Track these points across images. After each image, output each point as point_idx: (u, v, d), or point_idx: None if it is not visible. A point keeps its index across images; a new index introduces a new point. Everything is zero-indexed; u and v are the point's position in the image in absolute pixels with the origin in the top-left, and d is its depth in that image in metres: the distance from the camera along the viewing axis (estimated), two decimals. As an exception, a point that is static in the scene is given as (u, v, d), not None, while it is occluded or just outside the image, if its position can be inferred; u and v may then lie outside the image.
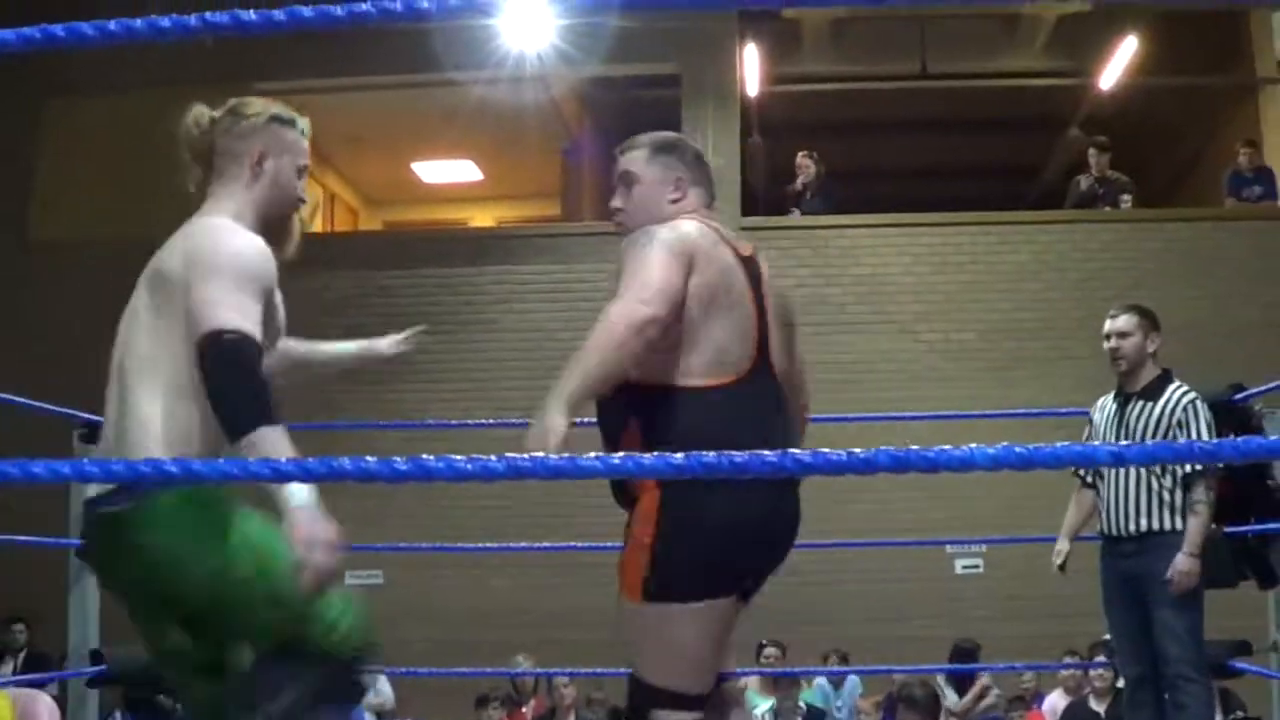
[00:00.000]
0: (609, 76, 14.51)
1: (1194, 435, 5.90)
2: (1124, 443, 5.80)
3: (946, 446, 2.07)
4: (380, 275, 13.33)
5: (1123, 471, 5.95)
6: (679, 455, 2.10)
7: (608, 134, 14.77)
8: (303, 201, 3.57)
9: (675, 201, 3.72)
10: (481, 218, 18.80)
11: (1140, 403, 6.02)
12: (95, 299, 13.82)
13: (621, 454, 2.30)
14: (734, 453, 2.12)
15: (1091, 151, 14.16)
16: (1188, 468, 5.82)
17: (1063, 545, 6.31)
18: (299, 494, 3.00)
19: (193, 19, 2.33)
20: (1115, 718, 9.30)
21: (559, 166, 16.50)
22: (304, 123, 3.57)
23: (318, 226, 15.78)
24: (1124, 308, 6.20)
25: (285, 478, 2.21)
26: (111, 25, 2.34)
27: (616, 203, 3.79)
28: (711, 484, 3.27)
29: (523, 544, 10.26)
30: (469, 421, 8.34)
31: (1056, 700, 10.51)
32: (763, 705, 10.39)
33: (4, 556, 10.71)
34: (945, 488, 12.09)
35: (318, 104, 15.17)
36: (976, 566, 12.80)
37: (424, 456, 2.13)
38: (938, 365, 13.26)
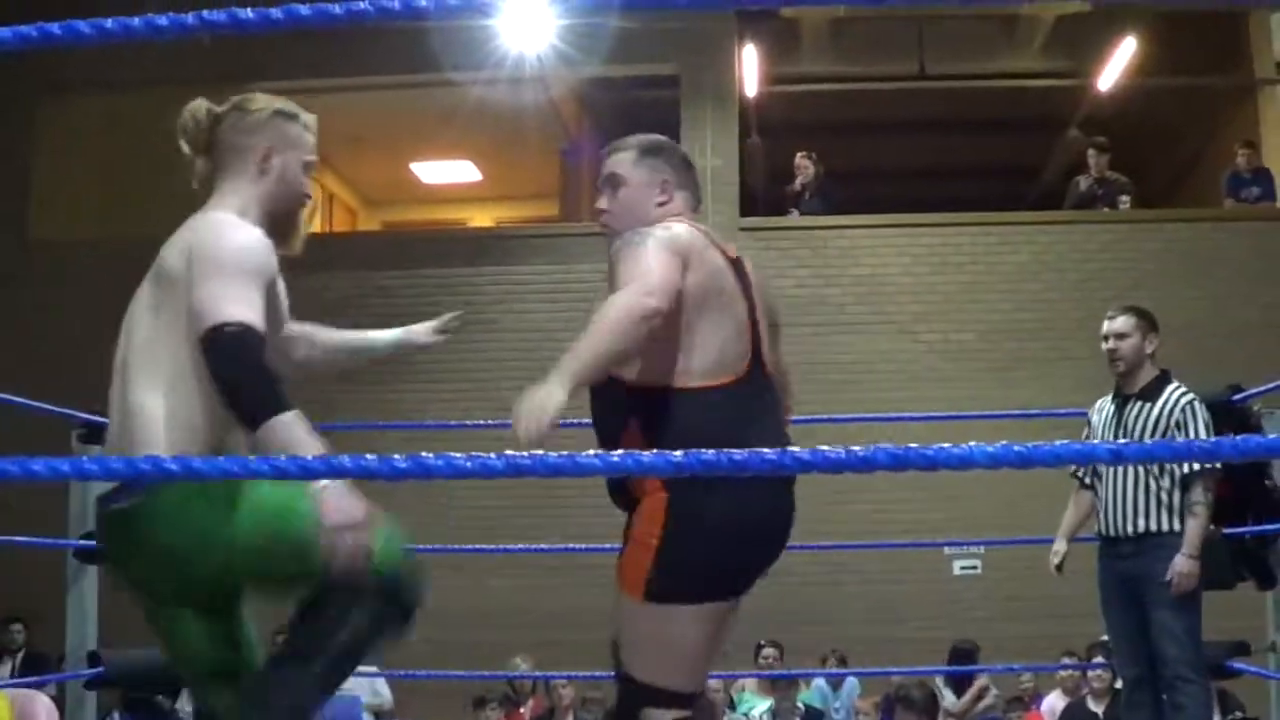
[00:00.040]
0: (608, 77, 14.51)
1: (1192, 436, 5.90)
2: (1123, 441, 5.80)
3: (946, 445, 2.07)
4: (379, 275, 13.33)
5: (1120, 472, 5.95)
6: (677, 453, 2.10)
7: (606, 134, 14.69)
8: (309, 197, 3.58)
9: (661, 205, 3.72)
10: (480, 218, 18.80)
11: (1138, 404, 6.02)
12: (94, 298, 13.82)
13: (620, 452, 2.29)
14: (733, 450, 2.12)
15: (1090, 152, 14.17)
16: (1186, 468, 5.82)
17: (1060, 546, 6.32)
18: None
19: (190, 18, 2.33)
20: (1113, 718, 9.30)
21: (558, 167, 16.51)
22: (308, 118, 3.58)
23: (316, 227, 15.77)
24: (1122, 309, 6.20)
25: (285, 475, 2.20)
26: (109, 24, 2.33)
27: (602, 204, 3.78)
28: (716, 485, 3.31)
29: (521, 545, 10.25)
30: (468, 422, 8.33)
31: (1055, 701, 10.51)
32: (761, 706, 10.39)
33: (2, 556, 10.70)
34: (943, 489, 12.11)
35: (316, 104, 15.07)
36: (975, 567, 12.81)
37: (423, 454, 2.13)
38: (937, 366, 13.26)
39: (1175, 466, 5.84)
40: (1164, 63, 14.96)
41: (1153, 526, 5.88)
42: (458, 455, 2.13)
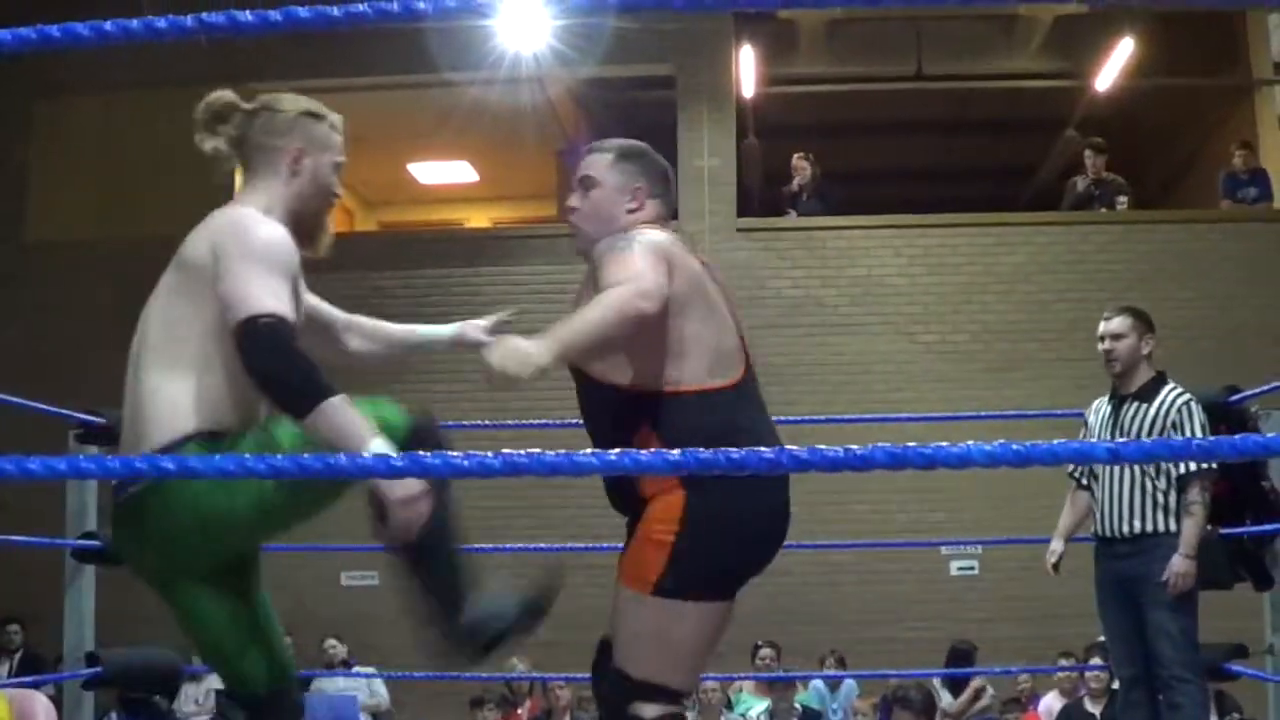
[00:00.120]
0: (605, 78, 14.51)
1: (1188, 436, 5.89)
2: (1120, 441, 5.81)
3: (943, 444, 2.08)
4: (376, 276, 13.32)
5: (1117, 473, 5.95)
6: (675, 452, 2.10)
7: (603, 135, 14.69)
8: (338, 196, 3.62)
9: (631, 211, 3.71)
10: (477, 219, 18.80)
11: (1135, 404, 6.02)
12: (91, 299, 13.88)
13: (616, 451, 2.30)
14: (729, 450, 2.12)
15: (1087, 153, 14.17)
16: (1182, 469, 5.83)
17: (1057, 546, 6.32)
18: (382, 450, 3.04)
19: (188, 20, 2.33)
20: (1110, 719, 9.31)
21: (555, 167, 16.49)
22: (335, 118, 3.62)
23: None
24: (1118, 309, 6.20)
25: (282, 475, 2.21)
26: (107, 26, 2.34)
27: (573, 202, 3.78)
28: (732, 485, 3.33)
29: (519, 545, 10.24)
30: (465, 423, 8.33)
31: (1052, 702, 10.52)
32: (758, 707, 10.40)
33: (0, 556, 10.71)
34: (940, 489, 12.12)
35: (313, 105, 15.19)
36: (972, 568, 12.81)
37: (420, 454, 2.13)
38: (934, 366, 13.27)
39: (1171, 467, 5.84)
40: (1161, 64, 14.97)
41: (1149, 527, 5.89)
42: (455, 454, 2.14)
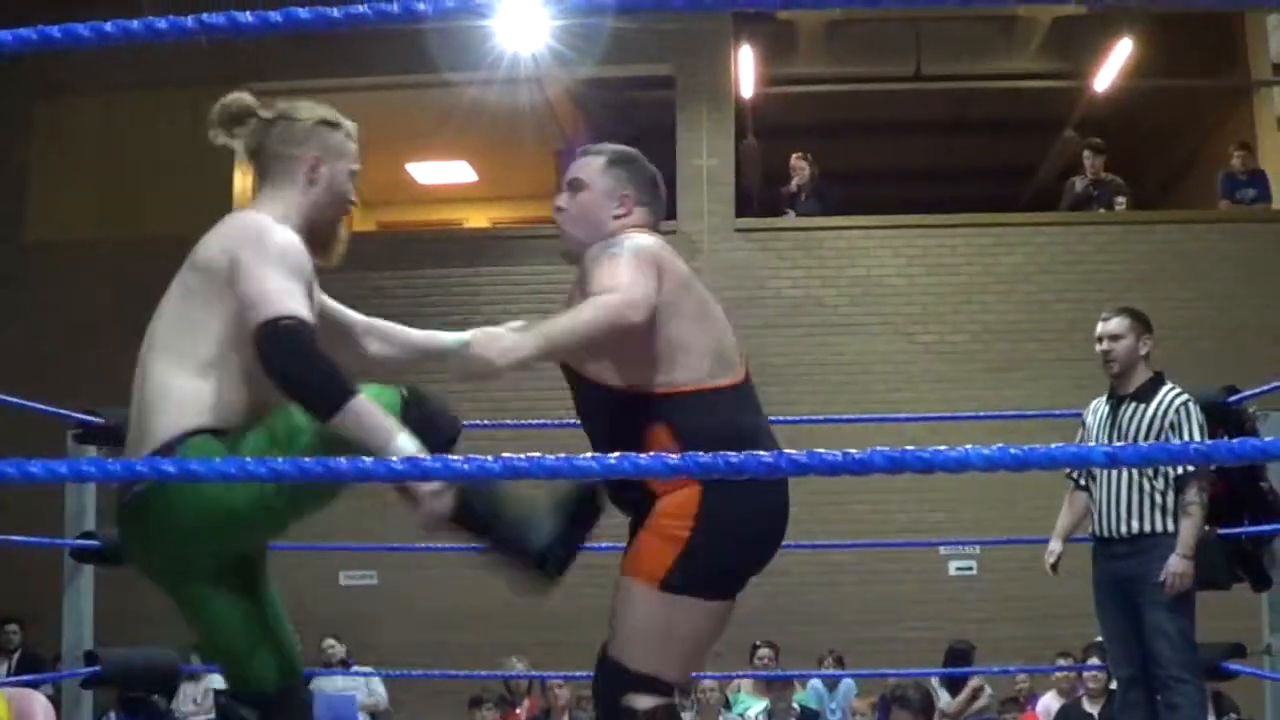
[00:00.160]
0: (604, 78, 14.51)
1: (1186, 437, 5.90)
2: (1118, 444, 5.81)
3: (942, 447, 2.08)
4: (375, 276, 13.31)
5: (1115, 473, 5.96)
6: (674, 456, 2.11)
7: (602, 135, 14.72)
8: (353, 204, 3.63)
9: (618, 217, 3.72)
10: (476, 219, 18.78)
11: (1133, 405, 6.03)
12: (90, 299, 13.87)
13: (617, 454, 2.30)
14: (728, 454, 2.13)
15: (1086, 154, 14.18)
16: (1180, 470, 5.83)
17: (1055, 546, 6.32)
18: (408, 445, 3.09)
19: (189, 20, 2.33)
20: (1108, 719, 9.31)
21: (554, 168, 16.47)
22: (350, 126, 3.62)
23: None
24: (1115, 310, 6.20)
25: (281, 477, 2.21)
26: (108, 27, 2.34)
27: (560, 202, 3.79)
28: (745, 483, 3.33)
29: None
30: (465, 423, 8.35)
31: (1050, 702, 10.52)
32: (756, 707, 10.39)
33: (-1, 556, 10.71)
34: (939, 490, 12.12)
35: (312, 105, 15.18)
36: (970, 568, 12.82)
37: (419, 456, 2.14)
38: (933, 367, 13.27)
39: (1169, 467, 5.85)
40: (1160, 64, 14.97)
41: (1147, 527, 5.89)
42: (454, 457, 2.14)
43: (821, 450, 2.13)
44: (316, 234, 3.51)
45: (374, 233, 18.05)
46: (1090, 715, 9.83)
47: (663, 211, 3.85)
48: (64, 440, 5.87)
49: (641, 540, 3.53)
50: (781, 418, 3.67)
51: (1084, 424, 6.28)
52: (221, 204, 13.56)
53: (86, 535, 5.83)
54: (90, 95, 13.91)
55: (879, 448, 2.11)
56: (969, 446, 2.07)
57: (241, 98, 3.58)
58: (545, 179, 16.67)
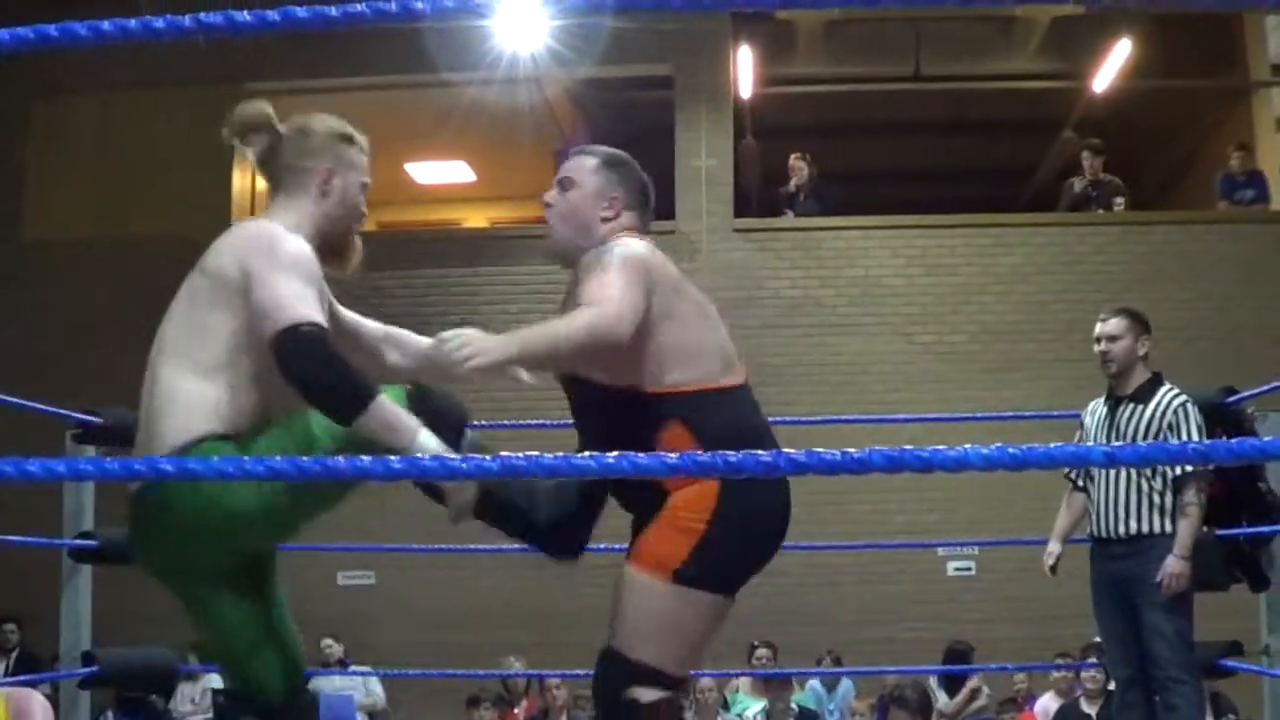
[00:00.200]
0: (602, 78, 14.51)
1: (1184, 438, 5.90)
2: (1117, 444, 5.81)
3: (941, 447, 2.08)
4: (374, 276, 13.30)
5: (1113, 474, 5.96)
6: (673, 456, 2.11)
7: (601, 135, 14.75)
8: (364, 216, 3.67)
9: (606, 219, 3.72)
10: (475, 219, 18.78)
11: (1131, 406, 6.03)
12: (88, 298, 13.85)
13: (615, 453, 2.30)
14: (726, 453, 2.13)
15: (1085, 154, 14.18)
16: (1178, 470, 5.84)
17: (1054, 548, 6.32)
18: (430, 443, 3.15)
19: (186, 19, 2.33)
20: (1106, 719, 9.31)
21: (552, 168, 16.45)
22: (363, 140, 3.67)
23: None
24: (1114, 311, 6.21)
25: (279, 475, 2.21)
26: (105, 26, 2.34)
27: (549, 198, 3.80)
28: (762, 480, 3.37)
29: (514, 546, 10.26)
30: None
31: (1048, 702, 10.52)
32: (754, 707, 10.39)
33: (-3, 555, 10.71)
34: (937, 490, 12.12)
35: (308, 104, 15.10)
36: (968, 569, 12.82)
37: (418, 455, 2.13)
38: (932, 367, 13.27)
39: (1167, 468, 5.85)
40: (1158, 65, 14.97)
41: (1145, 528, 5.90)
42: (452, 456, 2.14)
43: (820, 449, 2.13)
44: (329, 244, 3.54)
45: (372, 232, 18.00)
46: (1088, 716, 9.84)
47: (651, 218, 3.85)
48: (63, 440, 5.87)
49: (653, 532, 3.52)
50: (780, 418, 3.67)
51: (1082, 424, 6.28)
52: (219, 203, 13.58)
53: (85, 535, 5.83)
54: (88, 94, 13.91)
55: (877, 447, 2.11)
56: (968, 446, 2.06)
57: (260, 107, 3.60)
58: (544, 179, 16.54)
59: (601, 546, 4.02)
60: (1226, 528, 6.03)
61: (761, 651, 10.91)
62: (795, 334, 13.27)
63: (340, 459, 2.17)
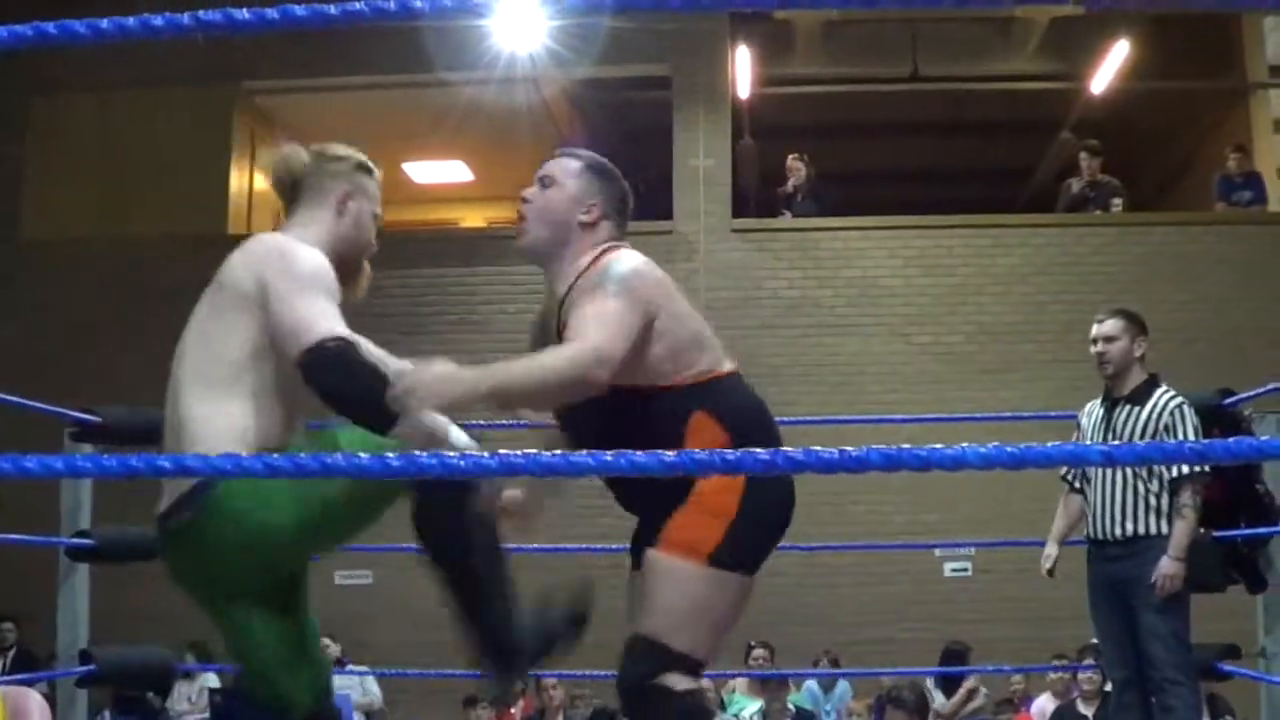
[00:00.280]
0: (600, 78, 14.50)
1: (1180, 439, 5.90)
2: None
3: (938, 446, 2.08)
4: (373, 275, 13.31)
5: (1109, 475, 5.96)
6: (671, 454, 2.11)
7: (599, 135, 14.76)
8: (374, 247, 3.76)
9: (584, 225, 3.72)
10: (472, 218, 18.77)
11: (1127, 407, 6.03)
12: (87, 297, 13.83)
13: (614, 451, 2.30)
14: (725, 451, 2.13)
15: (1083, 155, 14.18)
16: (1174, 472, 5.84)
17: (1051, 550, 6.32)
18: (461, 439, 3.24)
19: (185, 18, 2.33)
20: (1104, 720, 9.32)
21: (551, 168, 16.46)
22: (378, 174, 3.79)
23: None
24: (1110, 312, 6.21)
25: (278, 474, 2.21)
26: (104, 24, 2.34)
27: (528, 194, 3.81)
28: None
29: (511, 545, 10.25)
30: (462, 422, 8.35)
31: (1045, 703, 10.53)
32: (751, 707, 10.38)
33: (-5, 554, 10.70)
34: (935, 491, 12.12)
35: (307, 103, 15.15)
36: (965, 569, 12.82)
37: (417, 453, 2.13)
38: (929, 367, 13.28)
39: (1164, 470, 5.85)
40: (1156, 66, 14.98)
41: (1141, 529, 5.90)
42: (451, 454, 2.14)
43: (818, 448, 2.13)
44: (339, 267, 3.56)
45: (370, 232, 18.06)
46: (1085, 717, 9.84)
47: (626, 228, 3.83)
48: (62, 440, 5.87)
49: (682, 517, 3.49)
50: (778, 418, 3.66)
51: (1079, 425, 6.29)
52: (218, 202, 13.57)
53: (82, 534, 5.82)
54: (87, 92, 13.90)
55: (875, 446, 2.11)
56: (966, 445, 2.07)
57: (292, 151, 3.70)
58: (542, 179, 16.67)
59: (597, 547, 4.02)
60: (1224, 529, 6.04)
61: (758, 652, 10.91)
62: (793, 334, 13.27)
63: (339, 456, 2.16)
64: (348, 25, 2.36)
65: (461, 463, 2.10)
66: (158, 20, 2.33)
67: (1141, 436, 5.96)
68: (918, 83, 15.12)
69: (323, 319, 3.26)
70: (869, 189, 16.09)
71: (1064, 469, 6.29)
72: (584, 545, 8.71)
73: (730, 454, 2.15)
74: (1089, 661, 9.29)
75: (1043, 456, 2.09)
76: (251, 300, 3.32)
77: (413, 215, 18.79)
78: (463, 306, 13.42)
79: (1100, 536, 6.02)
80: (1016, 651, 11.04)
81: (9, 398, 5.56)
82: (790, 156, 14.29)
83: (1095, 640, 6.88)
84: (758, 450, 2.15)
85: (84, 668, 5.75)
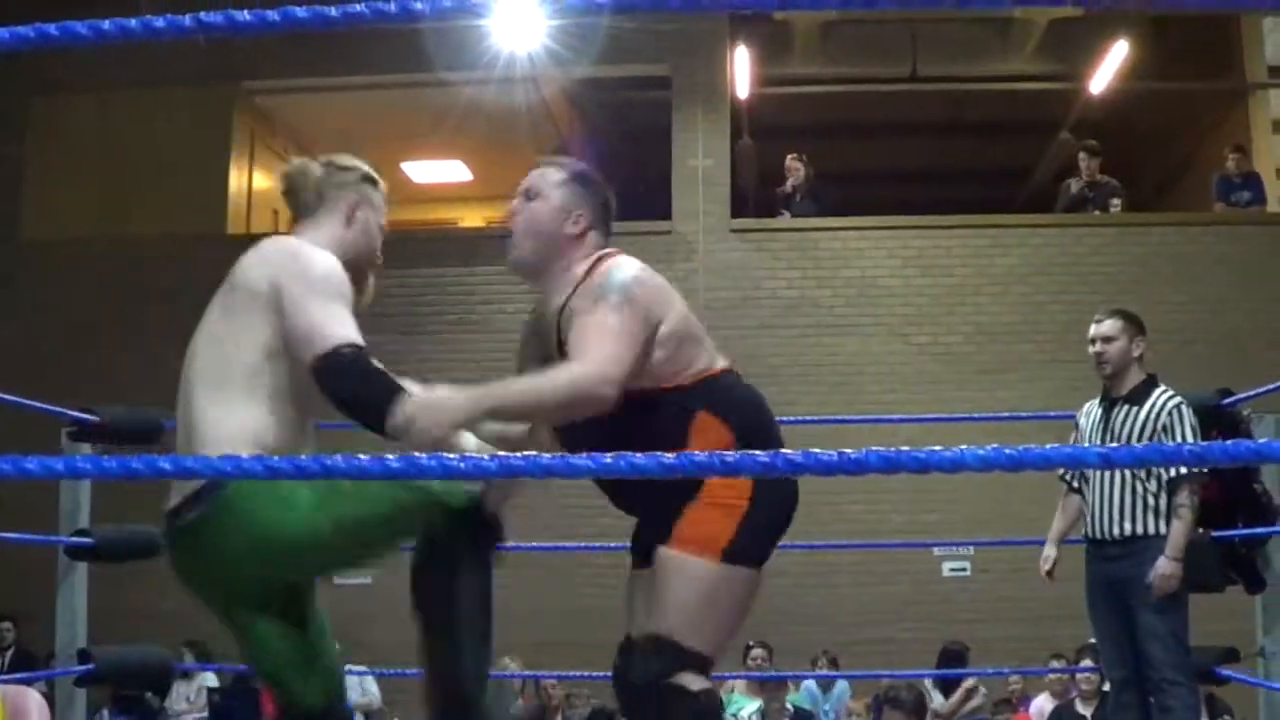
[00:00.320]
0: (599, 78, 14.50)
1: (1179, 440, 5.90)
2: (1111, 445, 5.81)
3: (937, 447, 2.08)
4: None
5: (1108, 476, 5.96)
6: (670, 456, 2.12)
7: (598, 135, 14.77)
8: (380, 259, 3.83)
9: (570, 236, 3.70)
10: (471, 218, 18.77)
11: (1125, 407, 6.03)
12: (87, 297, 13.83)
13: (613, 453, 2.30)
14: (724, 454, 2.14)
15: (1082, 155, 14.18)
16: (1172, 472, 5.84)
17: (1050, 551, 6.32)
18: (471, 443, 3.29)
19: (187, 19, 2.33)
20: (1102, 720, 9.32)
21: (550, 168, 16.45)
22: (385, 188, 3.86)
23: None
24: (1109, 312, 6.21)
25: (278, 474, 2.22)
26: (105, 25, 2.34)
27: (514, 207, 3.79)
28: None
29: (510, 545, 10.25)
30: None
31: (1043, 703, 10.53)
32: (749, 707, 10.38)
33: (-6, 554, 10.70)
34: (933, 491, 12.12)
35: (307, 103, 15.17)
36: (964, 569, 12.83)
37: (416, 454, 2.14)
38: (928, 367, 13.28)
39: (1162, 470, 5.85)
40: (1155, 67, 14.99)
41: (1139, 529, 5.90)
42: (450, 455, 2.14)
43: (817, 449, 2.13)
44: (349, 276, 3.56)
45: (369, 232, 18.04)
46: (1083, 717, 9.84)
47: (610, 236, 3.81)
48: (60, 438, 5.87)
49: (693, 514, 3.49)
50: (777, 418, 3.67)
51: (1077, 426, 6.29)
52: (218, 202, 13.57)
53: (81, 533, 5.83)
54: (87, 93, 13.91)
55: (874, 448, 2.11)
56: (964, 446, 2.07)
57: (304, 163, 3.76)
58: (541, 179, 16.65)
59: (595, 546, 4.03)
60: (1222, 529, 6.04)
61: (757, 651, 10.90)
62: (792, 334, 13.27)
63: (339, 456, 2.17)
64: (348, 26, 2.37)
65: (461, 464, 2.10)
66: (159, 22, 2.33)
67: (1140, 437, 5.96)
68: (917, 83, 15.13)
69: (338, 324, 3.28)
70: (868, 189, 16.09)
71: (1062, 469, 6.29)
72: (584, 545, 8.74)
73: (730, 456, 2.15)
74: (1087, 661, 9.29)
75: (1041, 458, 2.10)
76: (264, 302, 3.34)
77: (412, 215, 18.79)
78: (462, 306, 13.42)
79: (1098, 536, 6.02)
80: (1015, 651, 11.05)
81: (9, 398, 5.57)
82: (789, 157, 14.29)
83: (1094, 640, 6.88)
84: (757, 453, 2.15)
85: (82, 667, 5.75)
